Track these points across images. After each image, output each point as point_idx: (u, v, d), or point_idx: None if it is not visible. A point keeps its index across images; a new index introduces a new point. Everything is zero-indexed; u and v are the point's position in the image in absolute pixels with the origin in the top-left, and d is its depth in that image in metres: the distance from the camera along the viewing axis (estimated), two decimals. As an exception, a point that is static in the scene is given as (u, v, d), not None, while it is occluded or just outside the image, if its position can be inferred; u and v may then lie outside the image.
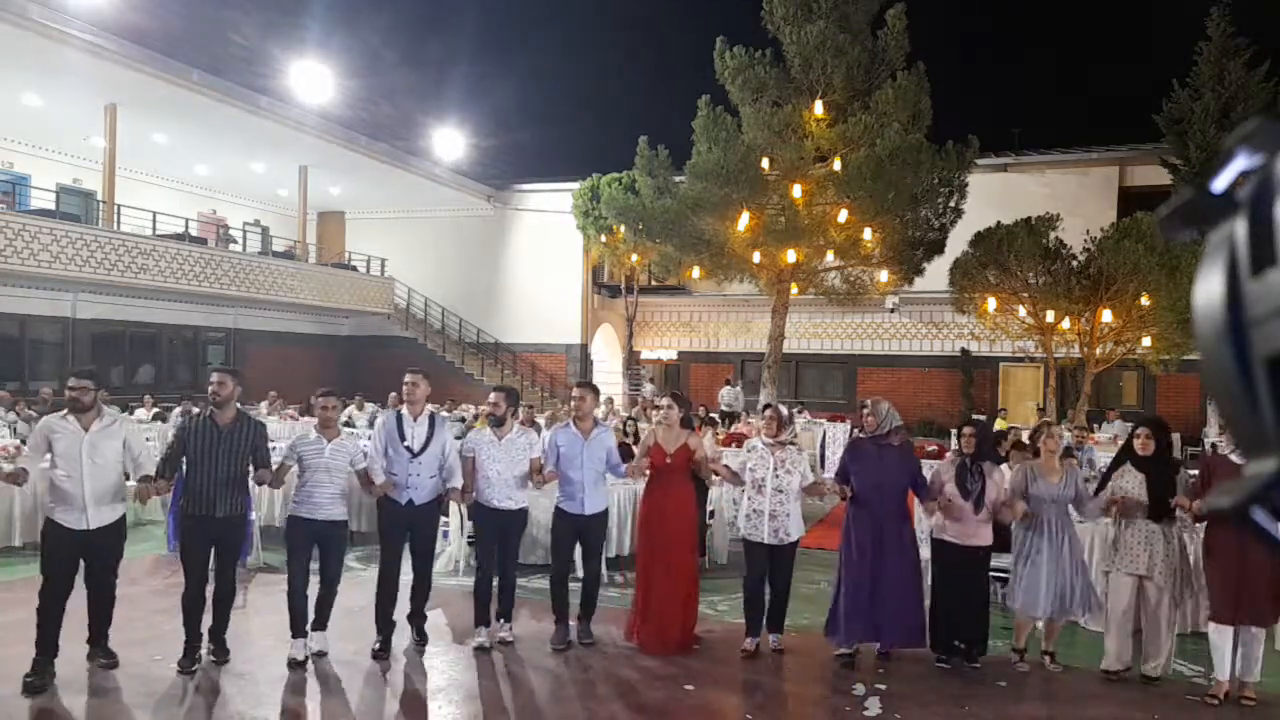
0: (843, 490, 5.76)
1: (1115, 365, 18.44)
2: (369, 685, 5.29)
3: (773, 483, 5.74)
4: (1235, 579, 4.98)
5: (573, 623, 6.08)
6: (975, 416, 6.13)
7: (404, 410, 5.89)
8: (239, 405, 5.49)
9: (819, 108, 15.64)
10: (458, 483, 5.84)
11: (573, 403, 6.11)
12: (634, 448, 8.95)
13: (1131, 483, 5.41)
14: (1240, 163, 0.54)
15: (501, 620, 5.95)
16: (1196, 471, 5.71)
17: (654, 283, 24.81)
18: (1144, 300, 15.90)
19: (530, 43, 49.48)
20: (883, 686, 5.29)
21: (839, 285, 18.23)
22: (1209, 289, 0.53)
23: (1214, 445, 9.88)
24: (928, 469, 6.47)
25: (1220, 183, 0.54)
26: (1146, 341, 16.92)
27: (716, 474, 6.14)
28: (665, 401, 6.07)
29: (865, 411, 5.85)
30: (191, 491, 5.27)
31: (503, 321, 25.85)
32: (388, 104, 23.42)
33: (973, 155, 16.64)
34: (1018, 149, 24.28)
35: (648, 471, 5.94)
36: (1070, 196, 21.86)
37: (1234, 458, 5.28)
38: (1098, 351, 17.39)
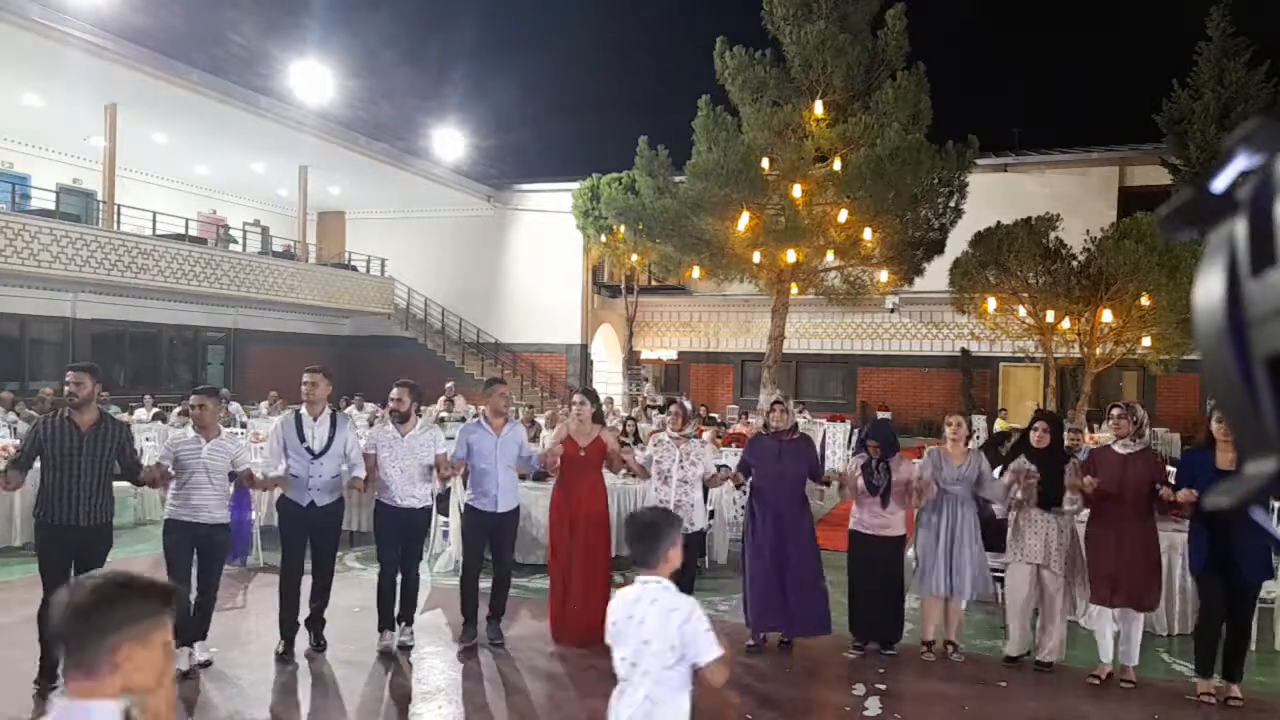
0: (737, 478, 6.23)
1: (1115, 365, 18.44)
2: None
3: (678, 474, 6.07)
4: (1113, 564, 5.27)
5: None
6: (881, 414, 6.40)
7: (303, 410, 5.64)
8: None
9: (819, 108, 15.64)
10: (360, 473, 5.64)
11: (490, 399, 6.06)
12: (635, 448, 8.96)
13: None
14: (1240, 163, 0.54)
15: (403, 624, 5.83)
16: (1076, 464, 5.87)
17: (654, 283, 24.79)
18: (1144, 300, 15.90)
19: (530, 42, 49.55)
20: (883, 686, 5.30)
21: (839, 285, 18.22)
22: (1209, 289, 0.53)
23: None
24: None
25: (1220, 182, 0.54)
26: (1146, 341, 16.92)
27: (626, 468, 6.26)
28: (578, 398, 6.24)
29: (780, 409, 6.08)
30: (50, 499, 4.86)
31: (503, 321, 25.84)
32: (388, 104, 23.41)
33: (973, 155, 16.63)
34: (1018, 149, 24.28)
35: (559, 463, 6.01)
36: (1070, 196, 21.85)
37: (1117, 448, 5.44)
38: (1098, 351, 17.38)
